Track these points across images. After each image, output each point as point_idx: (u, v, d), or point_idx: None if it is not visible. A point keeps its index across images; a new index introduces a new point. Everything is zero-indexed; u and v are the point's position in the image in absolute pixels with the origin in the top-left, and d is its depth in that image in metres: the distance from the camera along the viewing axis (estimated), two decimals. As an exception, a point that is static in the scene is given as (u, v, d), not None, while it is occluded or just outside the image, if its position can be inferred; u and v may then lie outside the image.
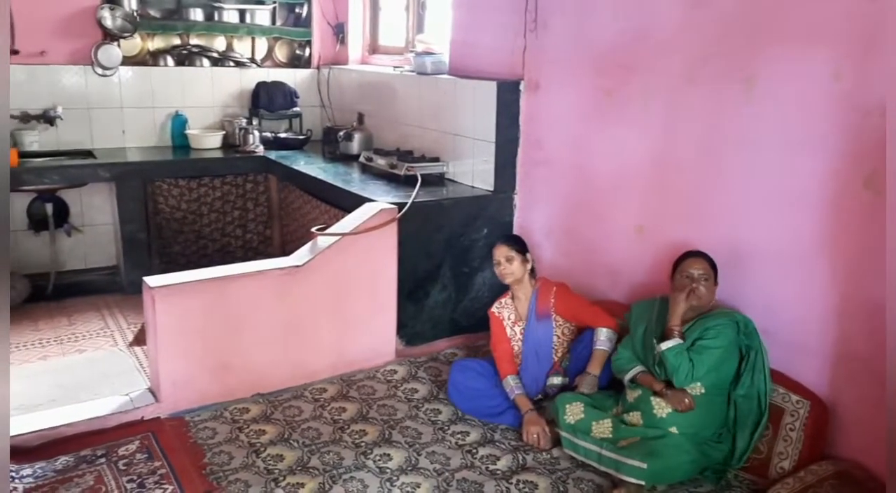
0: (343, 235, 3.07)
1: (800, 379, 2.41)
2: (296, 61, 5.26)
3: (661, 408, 2.41)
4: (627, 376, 2.58)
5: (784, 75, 2.39)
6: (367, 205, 3.24)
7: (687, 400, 2.36)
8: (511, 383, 2.83)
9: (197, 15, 4.82)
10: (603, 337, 2.77)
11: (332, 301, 3.12)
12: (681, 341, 2.39)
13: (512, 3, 3.47)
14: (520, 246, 2.93)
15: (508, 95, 3.49)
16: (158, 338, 2.74)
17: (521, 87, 3.50)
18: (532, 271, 2.96)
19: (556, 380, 2.87)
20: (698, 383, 2.39)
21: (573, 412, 2.52)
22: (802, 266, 2.40)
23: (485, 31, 3.73)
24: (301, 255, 3.07)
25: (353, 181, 3.84)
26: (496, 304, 3.00)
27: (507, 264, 2.88)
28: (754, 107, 2.49)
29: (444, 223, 3.44)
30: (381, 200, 3.30)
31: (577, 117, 3.25)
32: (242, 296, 2.88)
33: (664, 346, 2.39)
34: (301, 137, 4.93)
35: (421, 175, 3.65)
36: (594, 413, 2.50)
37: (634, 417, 2.46)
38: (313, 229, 3.21)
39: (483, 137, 3.60)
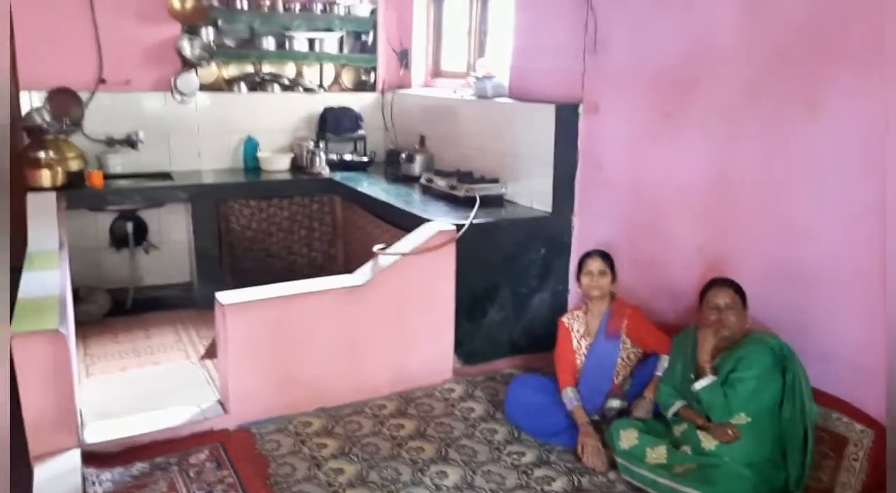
0: (403, 254, 3.16)
1: (864, 407, 2.34)
2: (361, 86, 5.44)
3: (709, 441, 2.39)
4: (670, 412, 2.58)
5: (850, 97, 2.35)
6: (426, 226, 3.33)
7: (731, 432, 2.34)
8: (570, 393, 2.86)
9: (269, 44, 5.05)
10: (665, 364, 2.77)
11: (391, 319, 3.21)
12: (713, 378, 2.38)
13: (571, 25, 3.52)
14: (612, 263, 2.97)
15: (567, 118, 3.53)
16: (228, 352, 2.88)
17: (580, 109, 3.53)
18: (614, 293, 3.00)
19: (615, 403, 2.87)
20: (742, 414, 2.35)
21: (628, 438, 2.52)
22: (867, 290, 2.34)
23: (544, 55, 3.79)
24: (362, 273, 3.18)
25: (413, 202, 3.93)
26: (568, 315, 3.04)
27: (600, 278, 2.92)
28: (818, 128, 2.46)
29: (502, 244, 3.50)
30: (441, 221, 3.38)
31: (636, 139, 3.27)
32: (307, 313, 3.00)
33: (698, 386, 2.39)
34: (365, 159, 5.08)
35: (480, 196, 3.72)
36: (648, 440, 2.49)
37: (685, 450, 2.44)
38: (374, 249, 3.31)
39: (542, 158, 3.64)
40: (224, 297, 2.90)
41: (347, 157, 5.08)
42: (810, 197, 2.51)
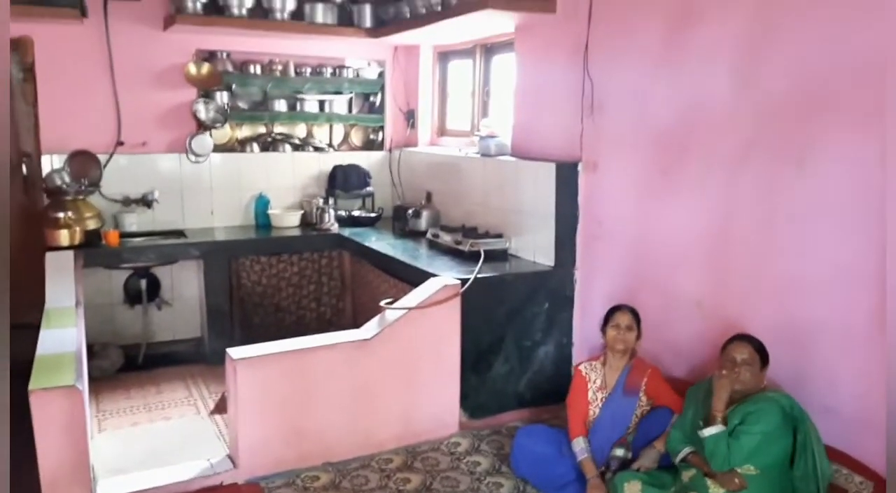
0: (409, 309, 3.24)
1: (863, 458, 2.37)
2: (370, 145, 5.62)
3: (716, 488, 2.41)
4: (679, 457, 2.60)
5: (833, 156, 2.46)
6: (432, 280, 3.42)
7: (737, 480, 2.36)
8: (581, 444, 2.88)
9: (281, 106, 5.25)
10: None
11: (398, 373, 3.27)
12: (722, 428, 2.42)
13: (569, 90, 3.68)
14: (639, 320, 3.01)
15: (567, 175, 3.66)
16: (238, 406, 2.94)
17: (580, 167, 3.65)
18: (636, 350, 3.02)
19: (619, 452, 2.89)
20: (750, 466, 2.38)
21: (631, 490, 2.55)
22: (863, 342, 2.40)
23: (544, 116, 3.94)
24: (370, 328, 3.25)
25: (420, 257, 4.03)
26: (585, 364, 3.07)
27: (626, 332, 2.95)
28: (806, 186, 2.56)
29: (506, 297, 3.57)
30: (446, 275, 3.46)
31: (634, 195, 3.37)
32: (316, 367, 3.07)
33: (706, 432, 2.43)
34: (373, 214, 5.21)
35: (484, 251, 3.81)
36: (651, 491, 2.51)
37: (692, 497, 2.47)
38: (382, 303, 3.40)
39: (543, 214, 3.75)
40: (235, 352, 2.98)
41: (356, 213, 5.21)
42: (803, 251, 2.59)
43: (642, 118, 3.29)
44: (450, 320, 3.36)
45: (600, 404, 2.96)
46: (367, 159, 5.47)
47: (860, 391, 2.41)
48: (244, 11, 4.63)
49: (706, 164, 2.97)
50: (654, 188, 3.26)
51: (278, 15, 4.72)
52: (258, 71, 5.13)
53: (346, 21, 4.96)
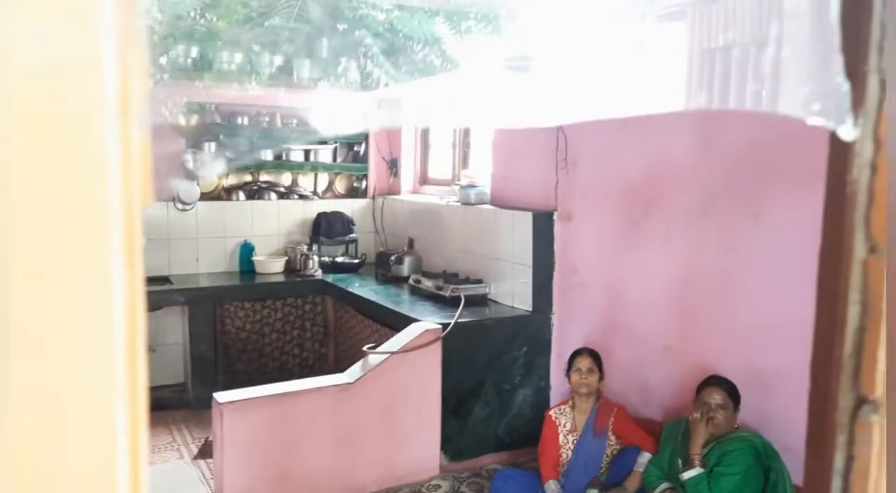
0: (392, 353, 3.35)
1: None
2: (354, 192, 5.78)
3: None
4: (656, 492, 2.71)
5: (786, 210, 2.65)
6: (413, 325, 3.53)
7: None
8: (553, 486, 2.98)
9: (267, 155, 5.41)
10: (644, 460, 2.93)
11: (381, 416, 3.35)
12: (701, 470, 2.54)
13: (544, 145, 3.87)
14: (600, 362, 3.15)
15: (543, 224, 3.83)
16: (224, 450, 3.01)
17: (555, 217, 3.83)
18: (601, 391, 3.16)
19: None
20: None
21: (606, 527, 2.64)
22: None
23: (521, 168, 4.13)
24: (353, 372, 3.35)
25: (402, 302, 4.15)
26: (555, 409, 3.19)
27: (588, 375, 3.08)
28: (762, 238, 2.74)
29: (485, 342, 3.69)
30: (427, 321, 3.58)
31: (607, 244, 3.54)
32: (301, 411, 3.15)
33: (686, 475, 2.55)
34: (356, 260, 5.34)
35: (464, 296, 3.95)
36: (625, 528, 2.62)
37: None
38: (365, 348, 3.50)
39: (521, 261, 3.91)
40: (221, 396, 3.06)
41: (339, 259, 5.34)
42: (761, 299, 2.76)
43: (612, 173, 3.48)
44: (431, 364, 3.47)
45: (572, 447, 3.07)
46: (350, 207, 5.62)
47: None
48: (233, 67, 4.83)
49: (671, 216, 3.15)
50: (624, 238, 3.43)
51: (266, 70, 4.92)
52: (246, 122, 5.30)
53: (332, 76, 5.17)
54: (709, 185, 2.97)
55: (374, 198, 5.70)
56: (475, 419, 3.67)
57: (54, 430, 0.34)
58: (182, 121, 4.99)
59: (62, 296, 0.34)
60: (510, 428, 3.77)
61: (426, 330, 3.46)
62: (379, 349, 3.42)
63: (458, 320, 3.60)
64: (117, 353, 0.36)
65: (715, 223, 2.95)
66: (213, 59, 4.74)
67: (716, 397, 2.65)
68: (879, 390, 0.42)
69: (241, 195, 5.35)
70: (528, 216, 3.83)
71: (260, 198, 5.39)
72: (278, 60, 4.91)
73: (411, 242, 5.11)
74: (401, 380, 3.39)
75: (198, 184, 5.07)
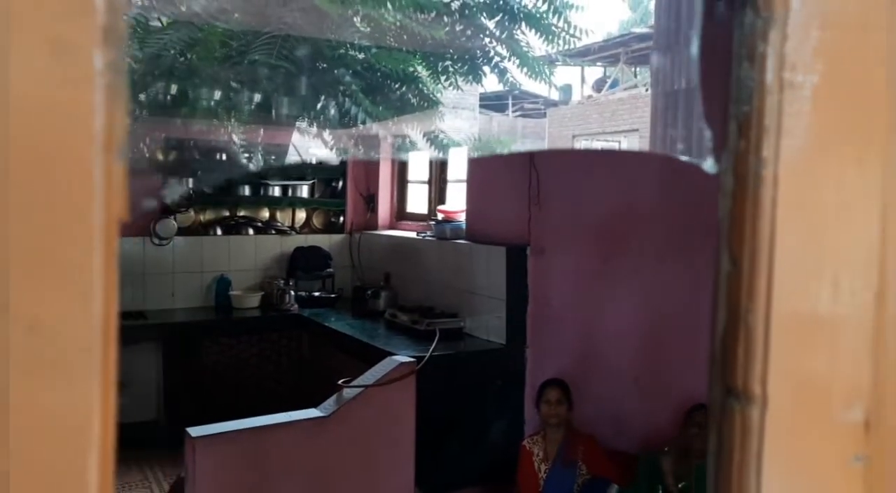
0: (366, 386, 3.36)
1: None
2: (331, 227, 5.83)
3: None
4: None
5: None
6: (388, 359, 3.55)
7: None
8: None
9: (245, 190, 5.46)
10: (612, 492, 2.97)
11: (355, 451, 3.35)
12: None
13: (516, 183, 3.97)
14: (568, 392, 3.20)
15: (517, 258, 3.90)
16: (196, 485, 2.98)
17: (528, 251, 3.90)
18: (571, 421, 3.21)
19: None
20: None
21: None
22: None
23: (494, 204, 4.22)
24: (327, 406, 3.35)
25: (377, 336, 4.18)
26: (528, 439, 3.25)
27: (557, 406, 3.14)
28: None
29: (460, 375, 3.72)
30: (402, 354, 3.61)
31: (578, 279, 3.62)
32: (274, 445, 3.14)
33: None
34: (332, 295, 5.36)
35: (440, 330, 3.98)
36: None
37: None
38: (340, 382, 3.51)
39: (495, 295, 3.96)
40: (194, 431, 3.04)
41: (316, 293, 5.36)
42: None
43: (582, 210, 3.58)
44: (405, 397, 3.48)
45: (544, 477, 3.10)
46: (327, 241, 5.67)
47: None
48: (211, 104, 4.89)
49: (640, 252, 3.25)
50: (595, 273, 3.51)
51: (245, 108, 4.99)
52: (224, 157, 5.35)
53: (310, 114, 5.25)
54: (672, 226, 3.07)
55: (350, 233, 5.76)
56: (451, 453, 3.68)
57: (19, 469, 0.38)
58: (160, 156, 5.03)
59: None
60: (485, 461, 3.77)
61: (400, 363, 3.48)
62: (353, 383, 3.43)
63: (433, 354, 3.62)
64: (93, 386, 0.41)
65: (683, 260, 3.04)
66: (192, 96, 4.81)
67: (699, 418, 2.71)
68: (740, 381, 0.50)
69: (219, 230, 5.37)
70: (502, 251, 3.90)
71: (237, 233, 5.42)
72: (257, 98, 4.98)
73: (387, 277, 5.15)
74: (375, 414, 3.40)
75: (174, 219, 5.09)
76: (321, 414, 3.29)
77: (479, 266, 4.12)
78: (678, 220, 3.04)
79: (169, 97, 4.82)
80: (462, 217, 4.56)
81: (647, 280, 3.20)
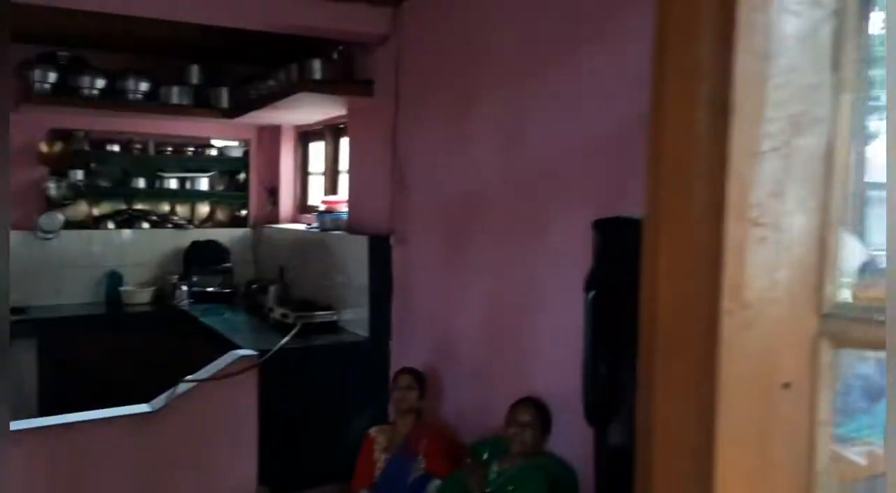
0: (199, 381, 3.21)
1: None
2: (235, 221, 5.68)
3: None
4: None
5: (561, 227, 2.60)
6: (230, 353, 3.41)
7: None
8: None
9: (141, 183, 5.31)
10: (432, 488, 2.83)
11: (189, 449, 3.19)
12: None
13: (384, 168, 3.83)
14: (421, 381, 3.11)
15: (381, 249, 3.75)
16: (9, 481, 2.82)
17: (392, 241, 3.76)
18: (421, 410, 3.10)
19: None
20: None
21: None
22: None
23: (368, 192, 4.07)
24: (157, 402, 3.20)
25: (247, 332, 4.04)
26: (376, 427, 3.18)
27: (408, 391, 3.06)
28: (554, 259, 2.68)
29: (317, 369, 3.58)
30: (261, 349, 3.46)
31: (435, 268, 3.47)
32: (94, 442, 2.99)
33: None
34: (227, 291, 5.21)
35: (313, 324, 3.85)
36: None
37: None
38: (186, 378, 3.36)
39: (360, 286, 3.82)
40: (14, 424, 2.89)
41: (210, 289, 5.20)
42: (556, 321, 2.68)
43: (438, 196, 3.43)
44: (246, 392, 3.33)
45: (382, 465, 2.99)
46: (229, 236, 5.52)
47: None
48: (95, 92, 4.74)
49: (482, 239, 3.10)
50: (448, 261, 3.36)
51: (130, 96, 4.84)
52: (116, 149, 5.20)
53: (202, 102, 5.09)
54: (513, 206, 2.92)
55: (253, 227, 5.61)
56: (304, 450, 3.53)
57: None
58: (45, 149, 4.88)
59: None
60: (343, 458, 3.61)
61: (241, 357, 3.33)
62: (189, 378, 3.28)
63: (290, 347, 3.48)
64: None
65: (520, 245, 2.89)
66: (76, 84, 4.64)
67: (526, 415, 2.57)
68: None
69: (111, 224, 5.21)
70: (364, 240, 3.76)
71: (132, 227, 5.26)
72: (144, 86, 4.82)
73: (281, 271, 5.00)
74: (212, 409, 3.25)
75: (61, 212, 4.93)
76: (148, 410, 3.14)
77: (349, 257, 3.98)
78: (514, 203, 2.90)
79: (49, 86, 4.66)
80: (345, 207, 4.41)
81: (488, 267, 3.05)
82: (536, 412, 2.58)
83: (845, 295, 0.58)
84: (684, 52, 0.64)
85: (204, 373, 3.29)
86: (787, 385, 0.58)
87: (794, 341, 0.58)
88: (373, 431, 3.14)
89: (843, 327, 0.56)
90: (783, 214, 0.58)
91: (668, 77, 0.66)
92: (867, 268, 0.61)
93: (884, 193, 0.57)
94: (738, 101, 0.59)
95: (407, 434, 3.01)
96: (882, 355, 0.55)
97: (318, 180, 5.43)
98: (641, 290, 0.74)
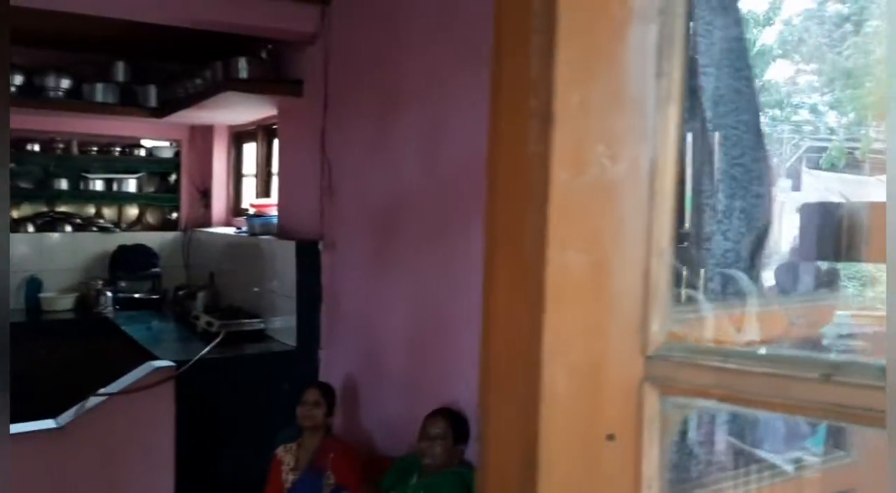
0: (109, 395, 3.05)
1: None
2: (166, 225, 5.47)
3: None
4: None
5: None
6: (145, 364, 3.25)
7: None
8: None
9: (64, 185, 5.06)
10: None
11: (99, 466, 3.03)
12: None
13: (313, 171, 3.71)
14: (330, 397, 2.97)
15: (309, 254, 3.63)
16: None
17: (320, 246, 3.64)
18: (329, 426, 2.97)
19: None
20: None
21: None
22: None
23: (297, 196, 3.95)
24: (64, 417, 3.03)
25: (167, 340, 3.87)
26: (282, 446, 3.01)
27: (313, 408, 2.91)
28: (473, 263, 2.61)
29: (240, 381, 3.44)
30: (166, 360, 3.31)
31: (362, 274, 3.37)
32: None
33: None
34: (154, 297, 5.01)
35: (240, 332, 3.71)
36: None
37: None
38: (97, 392, 3.18)
39: (288, 293, 3.69)
40: None
41: (136, 295, 4.99)
42: (476, 331, 2.61)
43: (365, 199, 3.33)
44: (162, 405, 3.18)
45: (289, 486, 2.86)
46: (159, 239, 5.31)
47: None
48: (12, 89, 4.49)
49: (409, 244, 3.01)
50: (376, 268, 3.27)
51: (51, 93, 4.61)
52: (37, 148, 4.96)
53: (129, 101, 4.88)
54: (434, 211, 2.85)
55: (185, 230, 5.41)
56: (226, 465, 3.38)
57: None
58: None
59: None
60: (265, 470, 3.48)
61: (156, 369, 3.18)
62: (100, 391, 3.11)
63: (212, 357, 3.33)
64: None
65: (438, 251, 2.82)
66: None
67: (435, 428, 2.49)
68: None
69: (31, 227, 4.96)
70: (292, 246, 3.64)
71: (53, 230, 5.02)
72: (66, 83, 4.60)
73: (212, 277, 4.83)
74: (124, 425, 3.09)
75: (-25, 214, 4.66)
76: (54, 426, 2.96)
77: (277, 263, 3.85)
78: (436, 207, 2.82)
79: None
80: (276, 211, 4.27)
81: (410, 273, 2.97)
82: (448, 423, 2.51)
83: (677, 333, 0.51)
84: (515, 63, 0.57)
85: (116, 386, 3.12)
86: (611, 437, 0.51)
87: (619, 387, 0.51)
88: (279, 450, 3.00)
89: (670, 371, 0.49)
90: (605, 241, 0.51)
91: (503, 91, 0.59)
92: (701, 301, 0.55)
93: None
94: (559, 114, 0.52)
95: (315, 451, 2.89)
96: (713, 404, 0.49)
97: (252, 182, 5.27)
98: (483, 321, 0.67)
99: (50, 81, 4.59)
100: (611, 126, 0.51)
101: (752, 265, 0.73)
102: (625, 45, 0.50)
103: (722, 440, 0.58)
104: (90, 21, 3.66)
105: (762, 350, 0.48)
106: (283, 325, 3.80)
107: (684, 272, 0.51)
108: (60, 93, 4.64)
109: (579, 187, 0.51)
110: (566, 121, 0.51)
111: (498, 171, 0.61)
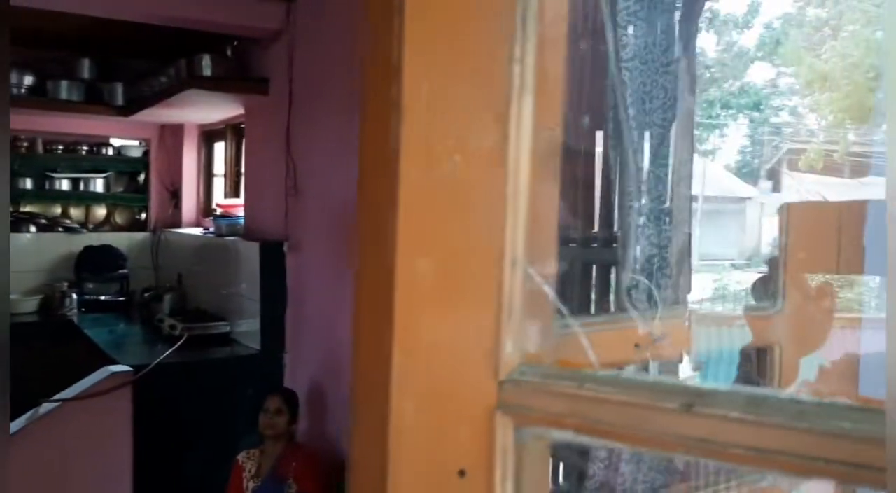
0: (61, 401, 2.96)
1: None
2: (135, 225, 5.37)
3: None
4: None
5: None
6: (102, 369, 3.16)
7: None
8: None
9: (28, 184, 4.95)
10: None
11: (52, 477, 2.94)
12: None
13: (279, 170, 3.63)
14: (292, 404, 2.91)
15: (274, 255, 3.55)
16: None
17: (285, 247, 3.57)
18: (292, 434, 2.91)
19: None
20: None
21: None
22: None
23: (263, 196, 3.87)
24: (15, 423, 2.93)
25: (130, 344, 3.79)
26: (244, 453, 2.94)
27: (276, 416, 2.85)
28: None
29: (202, 386, 3.36)
30: (126, 364, 3.22)
31: (325, 276, 3.30)
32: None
33: None
34: (120, 299, 4.90)
35: (205, 335, 3.63)
36: None
37: None
38: (51, 398, 3.09)
39: (252, 296, 3.61)
40: None
41: (102, 297, 4.89)
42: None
43: (330, 199, 3.26)
44: (119, 411, 3.09)
45: (251, 494, 2.79)
46: (128, 240, 5.21)
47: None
48: (-28, 85, 4.37)
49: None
50: (340, 269, 3.20)
51: (13, 90, 4.49)
52: (-1, 148, 4.84)
53: (95, 99, 4.77)
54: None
55: (154, 231, 5.31)
56: (187, 473, 3.30)
57: None
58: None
59: None
60: (226, 477, 3.40)
61: (112, 373, 3.09)
62: (55, 397, 3.02)
63: (173, 362, 3.25)
64: None
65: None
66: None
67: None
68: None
69: (-7, 228, 4.84)
70: (255, 247, 3.56)
71: (16, 230, 4.89)
72: (28, 80, 4.49)
73: (180, 278, 4.74)
74: (78, 432, 3.00)
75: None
76: (3, 434, 2.86)
77: (243, 265, 3.77)
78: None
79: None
80: (242, 212, 4.19)
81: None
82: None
83: (535, 354, 0.45)
84: (380, 48, 0.51)
85: (70, 391, 3.03)
86: (462, 473, 0.44)
87: (470, 416, 0.44)
88: (241, 457, 2.93)
89: (524, 398, 0.43)
90: (455, 248, 0.44)
91: (368, 78, 0.53)
92: (567, 316, 0.49)
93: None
94: (407, 104, 0.46)
95: (277, 458, 2.83)
96: (570, 435, 0.43)
97: (222, 182, 5.18)
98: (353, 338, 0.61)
99: (12, 78, 4.47)
100: (462, 118, 0.44)
101: (664, 273, 0.67)
102: (475, 27, 0.44)
103: (593, 472, 0.52)
104: (54, 17, 3.57)
105: (624, 375, 0.42)
106: (248, 328, 3.72)
107: (552, 283, 0.45)
108: (23, 90, 4.52)
109: (429, 186, 0.45)
110: (415, 111, 0.45)
111: (364, 167, 0.55)
